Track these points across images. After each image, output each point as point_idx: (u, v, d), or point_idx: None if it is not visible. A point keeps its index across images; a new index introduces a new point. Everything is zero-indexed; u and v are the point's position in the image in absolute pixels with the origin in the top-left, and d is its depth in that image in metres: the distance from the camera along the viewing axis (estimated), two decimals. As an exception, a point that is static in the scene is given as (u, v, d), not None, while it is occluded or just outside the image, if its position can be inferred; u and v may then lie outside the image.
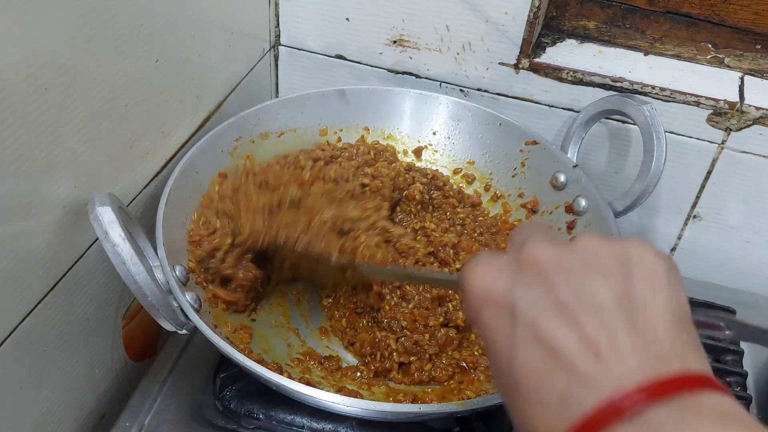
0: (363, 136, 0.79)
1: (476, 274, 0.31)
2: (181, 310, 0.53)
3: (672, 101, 0.72)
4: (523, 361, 0.28)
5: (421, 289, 0.64)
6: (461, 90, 0.80)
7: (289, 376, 0.57)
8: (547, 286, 0.29)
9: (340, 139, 0.79)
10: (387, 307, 0.63)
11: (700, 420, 0.25)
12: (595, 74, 0.73)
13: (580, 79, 0.74)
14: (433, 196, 0.75)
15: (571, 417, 0.26)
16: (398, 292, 0.64)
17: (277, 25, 0.82)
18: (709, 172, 0.75)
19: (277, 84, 0.87)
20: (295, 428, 0.60)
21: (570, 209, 0.70)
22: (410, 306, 0.63)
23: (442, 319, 0.63)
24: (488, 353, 0.31)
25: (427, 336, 0.62)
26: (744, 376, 0.68)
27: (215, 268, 0.61)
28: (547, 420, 0.27)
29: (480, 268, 0.31)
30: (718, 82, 0.73)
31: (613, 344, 0.26)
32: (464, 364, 0.62)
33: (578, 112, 0.74)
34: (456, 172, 0.79)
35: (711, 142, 0.73)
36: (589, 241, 0.30)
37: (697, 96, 0.71)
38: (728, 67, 0.75)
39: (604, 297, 0.28)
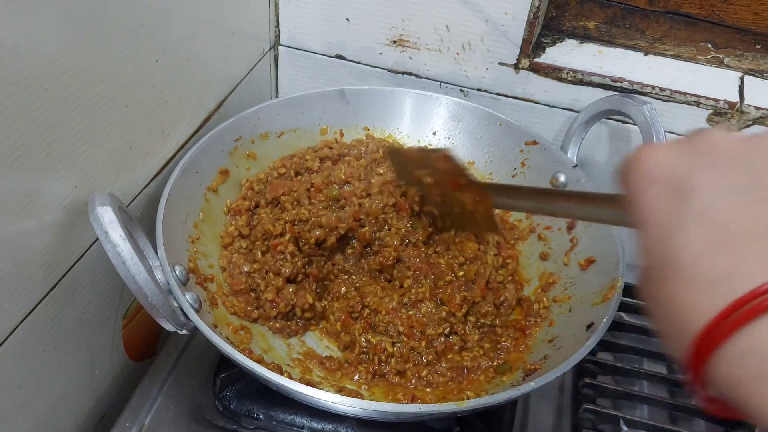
0: (370, 132, 0.79)
1: (650, 153, 0.31)
2: (181, 310, 0.53)
3: (672, 101, 0.72)
4: (688, 240, 0.27)
5: (428, 295, 0.64)
6: (461, 90, 0.80)
7: (289, 376, 0.57)
8: (724, 167, 0.28)
9: (342, 134, 0.79)
10: (384, 311, 0.63)
11: None
12: (595, 74, 0.73)
13: (580, 79, 0.74)
14: None
15: (729, 297, 0.26)
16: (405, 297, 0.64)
17: (277, 25, 0.82)
18: (709, 172, 0.75)
19: (277, 84, 0.87)
20: (295, 428, 0.60)
21: (570, 209, 0.70)
22: (409, 312, 0.63)
23: (441, 329, 0.62)
24: (643, 233, 0.30)
25: (423, 343, 0.61)
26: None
27: (278, 312, 0.63)
28: (702, 300, 0.27)
29: (654, 149, 0.31)
30: (718, 82, 0.73)
31: None
32: (465, 368, 0.62)
33: (578, 112, 0.74)
34: None
35: (711, 142, 0.73)
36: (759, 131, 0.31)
37: (697, 96, 0.71)
38: (728, 67, 0.75)
39: None
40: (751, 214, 0.27)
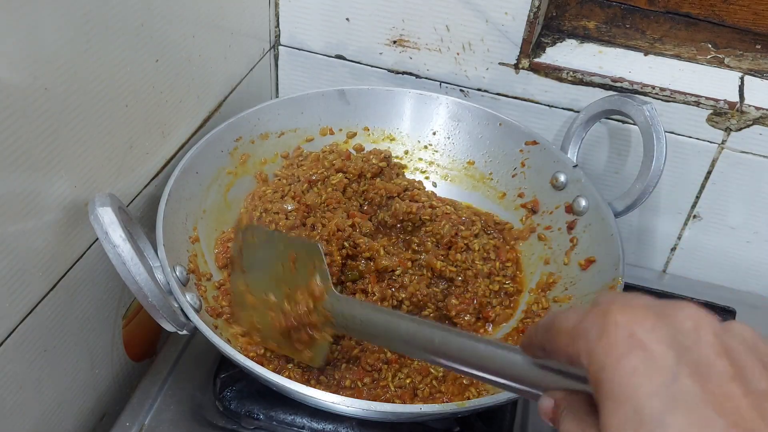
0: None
1: (629, 311, 0.29)
2: (182, 310, 0.53)
3: (672, 101, 0.72)
4: (682, 423, 0.26)
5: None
6: (461, 90, 0.80)
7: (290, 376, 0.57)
8: (717, 359, 0.27)
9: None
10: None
11: None
12: (595, 74, 0.73)
13: (580, 79, 0.74)
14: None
15: None
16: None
17: (277, 25, 0.82)
18: (709, 172, 0.75)
19: (277, 84, 0.87)
20: (295, 429, 0.60)
21: (570, 209, 0.70)
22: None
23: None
24: (615, 399, 0.28)
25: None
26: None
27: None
28: None
29: (633, 308, 0.29)
30: (718, 82, 0.73)
31: None
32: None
33: (578, 112, 0.74)
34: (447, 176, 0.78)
35: (711, 142, 0.73)
36: (739, 327, 0.29)
37: (697, 96, 0.71)
38: (728, 67, 0.75)
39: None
40: (749, 402, 0.26)
